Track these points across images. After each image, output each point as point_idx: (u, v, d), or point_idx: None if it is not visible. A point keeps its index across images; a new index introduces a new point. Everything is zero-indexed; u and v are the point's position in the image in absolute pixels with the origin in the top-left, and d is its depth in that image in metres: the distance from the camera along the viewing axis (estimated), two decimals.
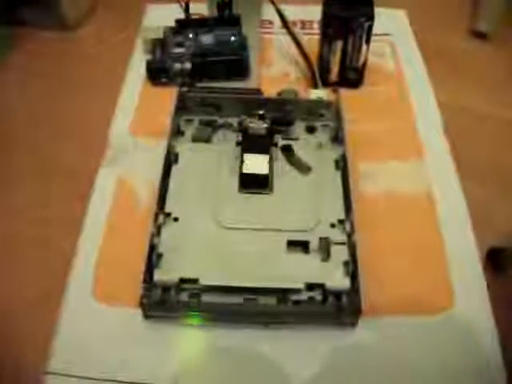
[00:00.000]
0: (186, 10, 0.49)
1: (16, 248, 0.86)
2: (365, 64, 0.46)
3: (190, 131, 0.42)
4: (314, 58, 0.47)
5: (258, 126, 0.40)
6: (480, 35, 1.26)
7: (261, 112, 0.40)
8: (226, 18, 0.49)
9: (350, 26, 0.43)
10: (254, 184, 0.37)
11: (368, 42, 0.44)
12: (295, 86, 0.45)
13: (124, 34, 0.53)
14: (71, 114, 1.05)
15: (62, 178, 0.90)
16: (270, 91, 0.44)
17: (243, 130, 0.40)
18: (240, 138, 0.40)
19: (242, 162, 0.37)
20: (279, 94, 0.43)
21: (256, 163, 0.37)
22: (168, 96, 0.42)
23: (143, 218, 0.36)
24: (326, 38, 0.45)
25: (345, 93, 0.42)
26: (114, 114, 0.46)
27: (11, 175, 0.96)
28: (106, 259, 0.36)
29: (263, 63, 0.50)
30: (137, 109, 0.46)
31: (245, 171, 0.37)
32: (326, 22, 0.44)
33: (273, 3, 0.49)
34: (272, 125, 0.40)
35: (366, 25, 0.42)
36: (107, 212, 0.38)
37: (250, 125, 0.40)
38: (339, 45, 0.44)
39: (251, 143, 0.39)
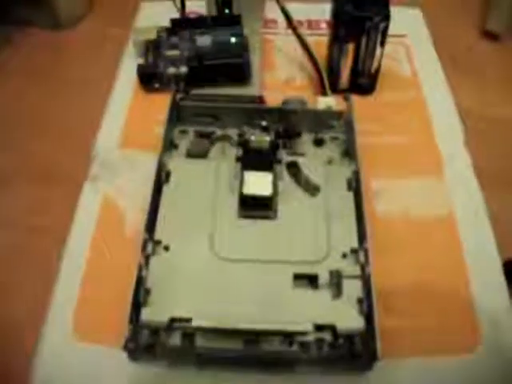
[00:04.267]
0: (182, 8, 0.45)
1: (10, 257, 0.82)
2: (379, 69, 0.42)
3: (184, 144, 0.37)
4: (322, 61, 0.43)
5: (261, 139, 0.35)
6: (491, 35, 1.21)
7: (264, 123, 0.36)
8: (225, 17, 0.45)
9: (363, 26, 0.38)
10: (255, 206, 0.33)
11: (383, 44, 0.40)
12: (301, 93, 0.41)
13: (120, 34, 0.49)
14: (67, 117, 1.00)
15: (58, 184, 0.86)
16: (274, 98, 0.40)
17: (243, 143, 0.36)
18: (240, 153, 0.36)
19: (242, 180, 0.33)
20: (284, 102, 0.39)
21: (258, 182, 0.33)
22: (162, 104, 0.38)
23: (131, 244, 0.32)
24: (337, 39, 0.40)
25: (356, 100, 0.38)
26: (101, 123, 0.41)
27: (5, 180, 0.92)
28: (89, 292, 0.32)
29: (266, 67, 0.46)
30: (127, 118, 0.42)
31: (245, 192, 0.33)
32: (337, 22, 0.39)
33: (277, 1, 0.44)
34: (276, 138, 0.36)
35: (382, 25, 0.38)
36: (90, 237, 0.34)
37: (252, 138, 0.36)
38: (351, 48, 0.40)
39: (252, 159, 0.35)
